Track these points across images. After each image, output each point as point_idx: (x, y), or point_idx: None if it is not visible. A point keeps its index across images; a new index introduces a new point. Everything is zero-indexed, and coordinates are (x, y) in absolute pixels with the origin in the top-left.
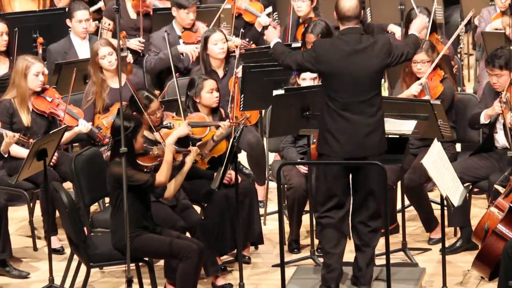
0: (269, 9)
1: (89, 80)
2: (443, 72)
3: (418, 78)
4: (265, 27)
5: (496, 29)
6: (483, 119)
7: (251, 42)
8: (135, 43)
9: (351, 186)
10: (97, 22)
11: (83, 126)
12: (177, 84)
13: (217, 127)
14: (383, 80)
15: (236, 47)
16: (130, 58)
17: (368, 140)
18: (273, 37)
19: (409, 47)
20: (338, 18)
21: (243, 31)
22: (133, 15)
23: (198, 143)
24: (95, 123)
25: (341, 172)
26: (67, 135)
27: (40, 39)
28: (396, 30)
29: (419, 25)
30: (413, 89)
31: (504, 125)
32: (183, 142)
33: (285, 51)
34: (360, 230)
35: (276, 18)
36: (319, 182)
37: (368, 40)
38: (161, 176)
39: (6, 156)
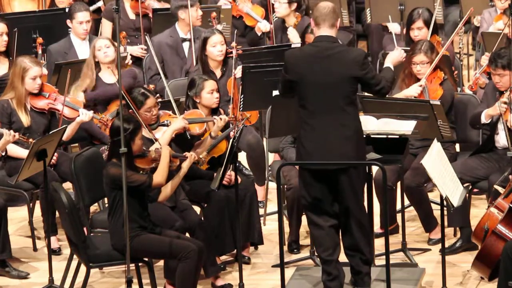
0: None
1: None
2: (442, 73)
3: (418, 79)
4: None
5: (500, 30)
6: (484, 118)
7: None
8: (138, 50)
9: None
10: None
11: (85, 116)
12: (167, 87)
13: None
14: None
15: (233, 48)
16: (129, 60)
17: (338, 152)
18: None
19: (386, 80)
20: (313, 22)
21: (236, 30)
22: (131, 15)
23: (197, 142)
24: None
25: (312, 180)
26: (71, 127)
27: (40, 39)
28: (395, 28)
29: (395, 59)
30: (413, 91)
31: (506, 125)
32: (183, 142)
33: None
34: (346, 243)
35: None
36: (299, 187)
37: (340, 48)
38: (158, 176)
39: (3, 154)
